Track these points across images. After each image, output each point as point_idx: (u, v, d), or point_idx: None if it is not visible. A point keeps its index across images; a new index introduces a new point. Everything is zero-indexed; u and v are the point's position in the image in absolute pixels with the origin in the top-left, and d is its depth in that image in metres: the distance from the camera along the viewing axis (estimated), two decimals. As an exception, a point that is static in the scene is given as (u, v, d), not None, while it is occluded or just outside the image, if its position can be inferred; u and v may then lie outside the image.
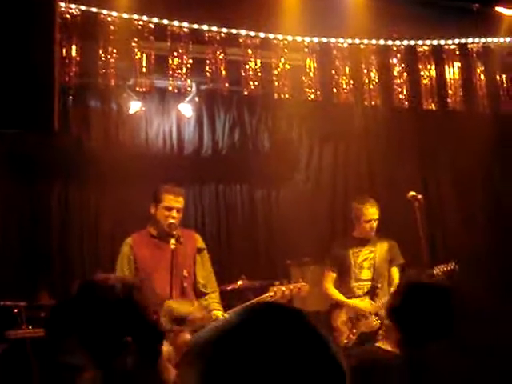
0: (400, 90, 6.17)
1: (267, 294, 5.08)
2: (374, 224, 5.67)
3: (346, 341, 5.44)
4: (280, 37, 5.77)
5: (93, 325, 1.61)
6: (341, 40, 5.97)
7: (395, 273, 5.68)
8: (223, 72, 5.60)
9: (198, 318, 3.43)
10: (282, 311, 1.05)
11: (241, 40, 5.68)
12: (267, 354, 0.96)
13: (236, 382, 0.95)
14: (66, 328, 1.64)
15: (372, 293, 5.58)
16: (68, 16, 4.92)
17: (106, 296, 1.64)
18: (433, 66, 6.26)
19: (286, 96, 5.84)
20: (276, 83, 5.79)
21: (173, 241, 4.53)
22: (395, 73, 6.18)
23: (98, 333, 1.60)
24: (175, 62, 5.44)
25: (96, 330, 1.61)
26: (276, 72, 5.78)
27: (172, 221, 4.69)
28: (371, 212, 5.65)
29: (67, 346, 1.64)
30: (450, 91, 6.32)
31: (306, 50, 5.90)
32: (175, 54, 5.44)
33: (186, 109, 6.29)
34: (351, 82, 6.03)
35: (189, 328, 3.27)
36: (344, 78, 6.00)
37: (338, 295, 5.60)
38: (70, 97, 5.92)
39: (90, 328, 1.61)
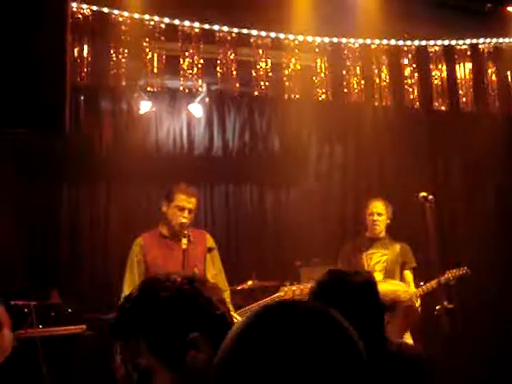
0: (411, 90, 6.15)
1: (277, 294, 5.08)
2: (377, 218, 5.64)
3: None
4: (291, 37, 5.76)
5: (157, 322, 1.54)
6: (352, 40, 5.96)
7: (409, 276, 5.67)
8: (234, 72, 5.60)
9: None
10: (304, 308, 1.05)
11: (252, 40, 5.67)
12: (290, 352, 0.95)
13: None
14: (132, 328, 1.57)
15: (383, 295, 5.56)
16: (80, 16, 4.93)
17: (168, 292, 1.56)
18: (444, 67, 6.23)
19: (297, 96, 5.84)
20: (287, 83, 5.78)
21: (184, 240, 4.53)
22: (406, 73, 6.16)
23: (163, 331, 1.53)
24: (186, 63, 5.44)
25: (160, 327, 1.53)
26: (287, 72, 5.78)
27: (183, 220, 4.69)
28: (375, 205, 5.65)
29: (134, 346, 1.56)
30: (461, 92, 6.30)
31: (317, 50, 5.89)
32: (186, 54, 5.44)
33: (197, 109, 6.29)
34: (362, 82, 6.01)
35: None
36: (355, 78, 5.98)
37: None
38: (82, 97, 5.95)
39: (154, 326, 1.54)
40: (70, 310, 5.25)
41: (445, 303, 5.14)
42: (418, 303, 5.45)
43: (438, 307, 5.18)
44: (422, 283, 5.51)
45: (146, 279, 1.71)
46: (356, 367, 0.98)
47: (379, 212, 5.65)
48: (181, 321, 1.54)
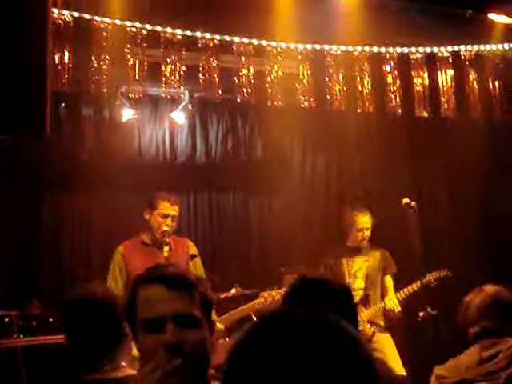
0: (393, 97, 6.17)
1: (257, 301, 5.09)
2: (366, 233, 5.69)
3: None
4: (273, 44, 5.76)
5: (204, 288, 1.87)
6: (334, 47, 5.97)
7: (389, 281, 5.71)
8: (216, 79, 5.59)
9: None
10: (304, 315, 1.04)
11: (234, 47, 5.67)
12: (294, 359, 0.95)
13: None
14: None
15: (364, 301, 5.59)
16: (61, 22, 4.90)
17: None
18: (426, 74, 6.27)
19: (280, 103, 5.84)
20: (269, 90, 5.78)
21: (166, 248, 4.52)
22: (388, 80, 6.18)
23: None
24: (168, 69, 5.42)
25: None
26: (269, 79, 5.78)
27: (165, 228, 4.69)
28: (363, 220, 5.69)
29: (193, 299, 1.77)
30: (442, 98, 6.33)
31: (300, 57, 5.90)
32: (168, 61, 5.42)
33: (179, 116, 6.27)
34: (344, 89, 6.03)
35: None
36: (337, 85, 6.00)
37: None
38: (63, 104, 5.90)
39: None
40: (51, 320, 5.19)
41: (428, 309, 5.16)
42: (398, 307, 5.47)
43: (421, 313, 5.19)
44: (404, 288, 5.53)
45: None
46: (362, 373, 0.97)
47: (368, 227, 5.69)
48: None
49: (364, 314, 5.50)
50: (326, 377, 0.93)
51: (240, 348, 1.00)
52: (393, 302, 5.49)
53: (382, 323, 5.61)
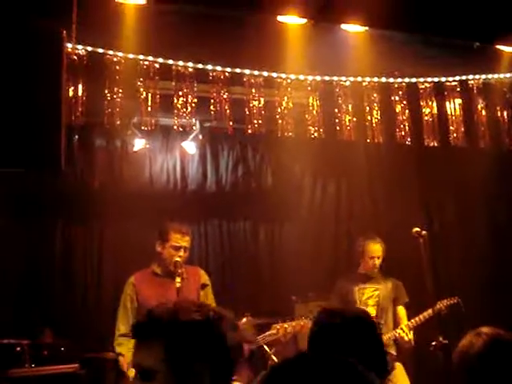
0: (402, 126, 6.20)
1: (269, 332, 5.08)
2: (377, 261, 5.71)
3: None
4: (283, 75, 5.83)
5: (181, 336, 1.69)
6: (343, 78, 6.03)
7: (402, 311, 5.70)
8: (227, 110, 5.65)
9: None
10: (327, 360, 1.06)
11: (245, 79, 5.72)
12: None
13: None
14: (158, 333, 1.71)
15: (376, 329, 5.57)
16: (75, 57, 4.98)
17: (199, 317, 1.71)
18: (434, 103, 6.30)
19: (290, 134, 5.89)
20: (280, 121, 5.83)
21: (178, 279, 4.53)
22: (397, 110, 6.22)
23: (184, 345, 1.68)
24: (180, 101, 5.49)
25: (183, 342, 1.68)
26: (279, 110, 5.83)
27: (177, 259, 4.70)
28: (375, 249, 5.71)
29: (149, 348, 1.70)
30: (451, 127, 6.35)
31: (309, 88, 5.95)
32: (180, 93, 5.49)
33: (190, 146, 6.33)
34: (354, 119, 6.07)
35: None
36: (347, 115, 6.04)
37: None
38: (76, 135, 5.98)
39: (178, 338, 1.68)
40: (62, 349, 5.21)
41: (440, 338, 5.14)
42: (410, 335, 5.46)
43: (433, 343, 5.17)
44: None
45: (179, 302, 1.84)
46: None
47: (379, 256, 5.72)
48: (201, 343, 1.67)
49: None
50: None
51: None
52: (405, 330, 5.48)
53: (393, 352, 5.59)
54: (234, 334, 1.76)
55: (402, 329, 5.49)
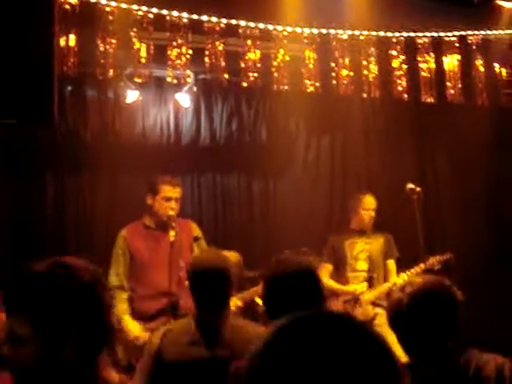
0: (399, 82, 6.15)
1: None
2: (373, 214, 5.74)
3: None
4: (279, 28, 5.74)
5: (46, 308, 1.67)
6: (340, 31, 5.94)
7: (392, 266, 5.75)
8: (222, 63, 5.57)
9: None
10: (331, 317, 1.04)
11: (240, 31, 5.64)
12: (322, 362, 0.94)
13: None
14: (21, 304, 1.70)
15: (368, 283, 5.64)
16: (67, 6, 4.87)
17: (69, 283, 1.68)
18: (432, 58, 6.24)
19: (285, 87, 5.83)
20: (275, 74, 5.76)
21: (172, 233, 4.53)
22: (394, 65, 6.15)
23: (49, 317, 1.66)
24: (174, 53, 5.40)
25: (48, 313, 1.66)
26: (275, 63, 5.76)
27: (171, 212, 4.70)
28: (369, 201, 5.76)
29: (18, 320, 1.69)
30: (448, 83, 6.31)
31: (306, 41, 5.87)
32: (174, 44, 5.40)
33: (184, 99, 6.25)
34: (351, 73, 6.00)
35: None
36: (343, 69, 5.98)
37: (333, 284, 5.67)
38: (68, 87, 5.89)
39: (42, 310, 1.67)
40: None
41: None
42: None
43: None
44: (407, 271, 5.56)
45: (55, 262, 1.76)
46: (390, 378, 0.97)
47: (373, 208, 5.75)
48: (68, 313, 1.66)
49: (367, 296, 5.55)
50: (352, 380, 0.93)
51: (266, 350, 0.99)
52: (397, 283, 5.50)
53: (385, 305, 5.66)
54: (108, 297, 1.76)
55: (395, 282, 5.50)
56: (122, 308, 4.67)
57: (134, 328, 4.60)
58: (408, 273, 5.54)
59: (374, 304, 5.58)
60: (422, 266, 5.37)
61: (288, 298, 2.56)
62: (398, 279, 5.54)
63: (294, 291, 2.59)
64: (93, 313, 1.69)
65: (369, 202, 5.77)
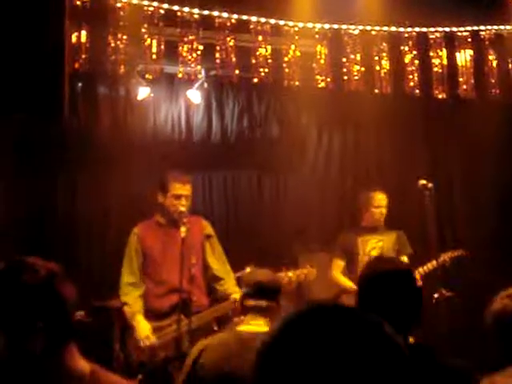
0: (411, 77, 6.11)
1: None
2: (384, 211, 5.71)
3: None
4: (291, 23, 5.72)
5: (7, 303, 1.75)
6: (352, 27, 5.91)
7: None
8: (233, 58, 5.56)
9: None
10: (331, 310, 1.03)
11: (251, 26, 5.63)
12: (320, 352, 0.93)
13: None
14: None
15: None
16: (78, 2, 4.87)
17: (28, 278, 1.76)
18: (444, 54, 6.19)
19: (296, 83, 5.80)
20: (286, 70, 5.74)
21: (183, 229, 4.52)
22: (406, 60, 6.12)
23: (11, 313, 1.74)
24: (185, 49, 5.40)
25: (10, 309, 1.74)
26: (286, 59, 5.74)
27: (182, 209, 4.69)
28: (380, 198, 5.73)
29: None
30: (461, 79, 6.26)
31: (317, 36, 5.85)
32: (185, 40, 5.39)
33: (195, 95, 6.24)
34: (362, 69, 5.97)
35: None
36: (355, 65, 5.95)
37: (346, 282, 5.66)
38: (79, 83, 5.89)
39: (4, 306, 1.75)
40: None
41: (443, 291, 5.15)
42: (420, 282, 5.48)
43: (435, 295, 5.18)
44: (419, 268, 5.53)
45: (11, 262, 1.85)
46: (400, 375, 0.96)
47: (384, 205, 5.73)
48: (30, 308, 1.74)
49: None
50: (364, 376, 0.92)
51: (276, 342, 0.99)
52: (417, 276, 5.47)
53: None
54: (68, 289, 1.81)
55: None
56: (135, 306, 4.68)
57: (144, 328, 4.60)
58: (420, 269, 5.51)
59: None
60: (434, 263, 5.34)
61: (387, 297, 2.49)
62: (417, 271, 5.50)
63: (393, 290, 2.50)
64: (54, 306, 1.77)
65: (379, 199, 5.74)
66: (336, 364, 0.92)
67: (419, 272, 5.51)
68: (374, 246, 5.74)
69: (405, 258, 5.73)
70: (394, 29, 6.03)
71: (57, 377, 1.81)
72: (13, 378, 1.76)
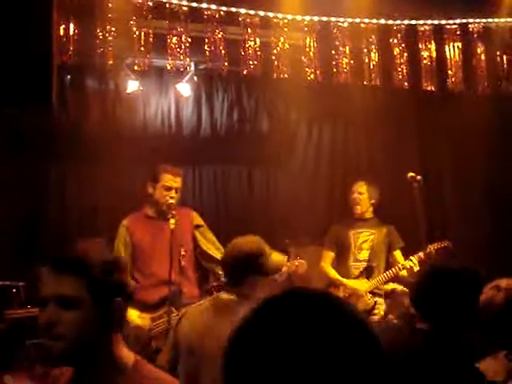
0: (400, 70, 6.13)
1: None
2: (358, 196, 5.74)
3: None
4: (280, 15, 5.71)
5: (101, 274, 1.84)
6: (341, 19, 5.91)
7: (398, 255, 5.73)
8: (222, 51, 5.56)
9: None
10: (303, 295, 1.03)
11: (240, 19, 5.62)
12: (294, 339, 0.93)
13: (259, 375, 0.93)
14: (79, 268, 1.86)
15: (367, 272, 5.64)
16: (66, -6, 4.86)
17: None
18: (433, 47, 6.21)
19: (286, 76, 5.80)
20: (275, 63, 5.74)
21: (172, 221, 4.53)
22: (395, 53, 6.13)
23: (103, 282, 1.83)
24: (174, 41, 5.39)
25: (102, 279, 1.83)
26: (275, 51, 5.74)
27: (171, 201, 4.71)
28: (358, 185, 5.77)
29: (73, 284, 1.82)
30: (449, 72, 6.28)
31: (306, 29, 5.85)
32: (174, 32, 5.38)
33: (185, 88, 6.23)
34: (351, 61, 5.98)
35: None
36: (344, 57, 5.95)
37: (335, 274, 5.68)
38: (68, 76, 5.87)
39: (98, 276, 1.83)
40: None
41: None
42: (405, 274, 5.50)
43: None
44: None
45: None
46: (369, 354, 0.97)
47: (360, 191, 5.76)
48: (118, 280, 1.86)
49: (366, 286, 5.55)
50: (333, 359, 0.92)
51: (243, 332, 0.99)
52: (414, 261, 5.45)
53: (381, 292, 5.67)
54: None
55: (411, 260, 5.45)
56: None
57: (132, 315, 4.59)
58: (407, 263, 5.51)
59: (374, 293, 5.58)
60: (422, 254, 5.35)
61: (451, 295, 2.50)
62: (406, 262, 5.51)
63: (458, 287, 2.52)
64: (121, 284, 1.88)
65: (357, 185, 5.78)
66: (304, 348, 0.92)
67: (412, 259, 5.51)
68: (365, 238, 5.76)
69: (398, 252, 5.75)
70: (383, 21, 6.04)
71: (103, 364, 1.82)
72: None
